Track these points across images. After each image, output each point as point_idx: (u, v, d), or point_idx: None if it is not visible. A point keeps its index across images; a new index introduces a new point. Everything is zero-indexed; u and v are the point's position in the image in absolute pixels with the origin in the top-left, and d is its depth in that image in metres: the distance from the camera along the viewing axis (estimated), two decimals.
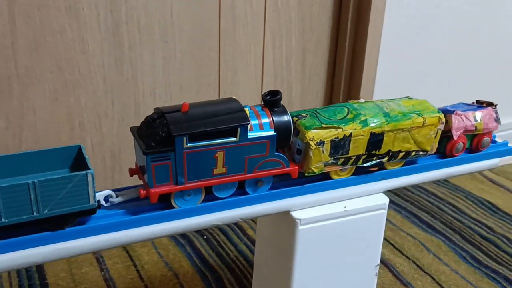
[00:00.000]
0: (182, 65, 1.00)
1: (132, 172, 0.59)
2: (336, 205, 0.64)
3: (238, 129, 0.54)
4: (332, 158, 0.61)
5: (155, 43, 0.96)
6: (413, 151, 0.66)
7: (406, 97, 0.71)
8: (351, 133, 0.61)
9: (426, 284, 0.91)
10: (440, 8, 1.19)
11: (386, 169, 0.67)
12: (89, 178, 0.50)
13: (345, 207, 0.63)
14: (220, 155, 0.54)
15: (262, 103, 0.60)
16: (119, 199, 0.56)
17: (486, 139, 0.74)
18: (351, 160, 0.63)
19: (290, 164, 0.60)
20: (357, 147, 0.62)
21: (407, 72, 1.23)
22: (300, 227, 0.61)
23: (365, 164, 0.64)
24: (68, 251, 0.52)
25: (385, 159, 0.65)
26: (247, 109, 0.57)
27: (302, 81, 1.15)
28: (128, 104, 0.98)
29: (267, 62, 1.09)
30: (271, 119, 0.58)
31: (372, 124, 0.62)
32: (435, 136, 0.67)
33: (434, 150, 0.69)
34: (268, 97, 0.59)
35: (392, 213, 1.12)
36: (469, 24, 1.27)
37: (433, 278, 0.92)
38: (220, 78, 1.05)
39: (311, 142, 0.59)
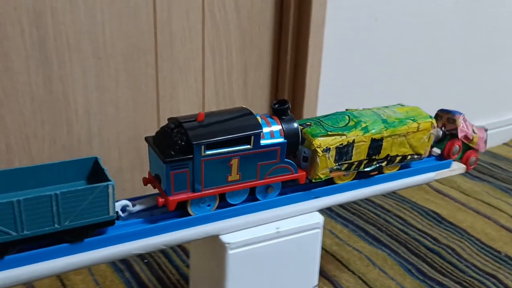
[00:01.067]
0: (117, 82, 0.96)
1: (146, 181, 0.59)
2: (268, 226, 0.61)
3: (252, 137, 0.56)
4: (337, 164, 0.64)
5: (86, 60, 0.92)
6: (408, 155, 0.70)
7: (399, 104, 0.75)
8: (354, 140, 0.64)
9: None
10: (380, 20, 1.20)
11: (384, 173, 0.70)
12: (110, 190, 0.50)
13: (277, 228, 0.61)
14: (234, 162, 0.56)
15: (272, 111, 0.62)
16: (136, 208, 0.57)
17: (473, 158, 0.76)
18: (354, 165, 0.66)
19: (298, 170, 0.62)
20: (359, 153, 0.65)
21: (350, 84, 1.23)
22: (230, 252, 0.58)
23: (366, 169, 0.67)
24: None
25: (384, 163, 0.68)
26: (258, 118, 0.59)
27: (244, 96, 1.13)
28: (59, 124, 0.93)
29: (207, 78, 1.07)
30: (281, 127, 0.60)
31: (373, 131, 0.65)
32: (428, 140, 0.71)
33: (427, 154, 0.73)
34: (277, 106, 0.61)
35: (339, 227, 1.11)
36: (409, 35, 1.29)
37: None
38: (159, 95, 1.02)
39: (318, 149, 0.61)
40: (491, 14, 1.44)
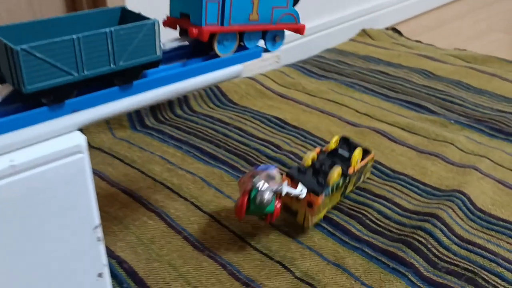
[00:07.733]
0: None
1: (166, 23, 0.62)
2: None
3: None
4: None
5: None
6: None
7: None
8: None
9: (204, 225, 0.77)
10: None
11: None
12: (156, 28, 0.51)
13: (11, 161, 0.44)
14: (256, 0, 0.61)
15: None
16: (168, 47, 0.60)
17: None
18: None
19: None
20: None
21: None
22: None
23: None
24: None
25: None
26: None
27: (33, 14, 0.90)
28: None
29: None
30: None
31: None
32: None
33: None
34: None
35: (171, 150, 0.97)
36: None
37: (213, 217, 0.79)
38: None
39: None
40: None
